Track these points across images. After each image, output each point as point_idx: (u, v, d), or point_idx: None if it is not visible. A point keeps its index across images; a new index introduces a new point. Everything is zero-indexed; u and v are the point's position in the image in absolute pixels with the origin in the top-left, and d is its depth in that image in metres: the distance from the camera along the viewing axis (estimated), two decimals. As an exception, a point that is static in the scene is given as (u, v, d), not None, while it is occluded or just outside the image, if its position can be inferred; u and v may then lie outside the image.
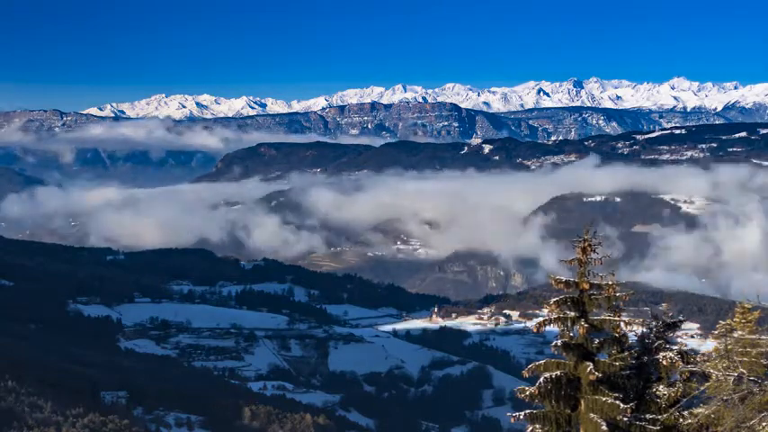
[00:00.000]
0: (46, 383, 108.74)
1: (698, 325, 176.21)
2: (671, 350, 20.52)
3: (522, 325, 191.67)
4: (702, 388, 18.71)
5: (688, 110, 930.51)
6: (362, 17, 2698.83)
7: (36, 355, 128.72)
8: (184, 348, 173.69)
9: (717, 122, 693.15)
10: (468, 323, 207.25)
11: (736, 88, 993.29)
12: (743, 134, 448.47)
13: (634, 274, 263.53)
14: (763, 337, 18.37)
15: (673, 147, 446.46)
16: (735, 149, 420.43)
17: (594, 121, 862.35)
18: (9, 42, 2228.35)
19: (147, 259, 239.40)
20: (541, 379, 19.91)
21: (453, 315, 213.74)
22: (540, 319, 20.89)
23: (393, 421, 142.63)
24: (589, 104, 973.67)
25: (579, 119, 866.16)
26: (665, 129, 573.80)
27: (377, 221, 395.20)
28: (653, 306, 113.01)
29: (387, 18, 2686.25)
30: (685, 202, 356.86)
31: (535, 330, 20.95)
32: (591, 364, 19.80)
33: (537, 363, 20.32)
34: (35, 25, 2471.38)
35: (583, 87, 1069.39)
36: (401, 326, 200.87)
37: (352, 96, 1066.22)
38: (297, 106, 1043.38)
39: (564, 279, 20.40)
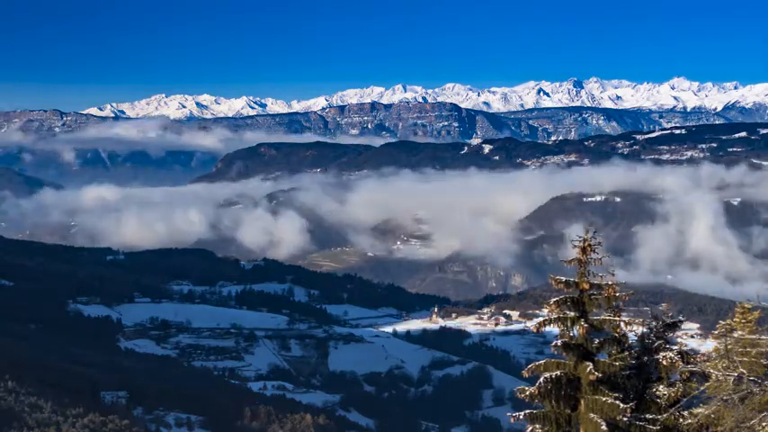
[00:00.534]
0: (46, 383, 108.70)
1: (698, 325, 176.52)
2: (671, 350, 20.51)
3: (522, 325, 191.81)
4: (702, 388, 18.70)
5: (688, 110, 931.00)
6: (362, 17, 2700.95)
7: (36, 355, 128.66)
8: (184, 348, 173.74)
9: (717, 122, 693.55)
10: (468, 323, 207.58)
11: (736, 88, 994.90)
12: (743, 134, 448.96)
13: (634, 273, 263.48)
14: (763, 337, 18.37)
15: (673, 147, 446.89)
16: (735, 149, 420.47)
17: (594, 121, 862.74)
18: (9, 42, 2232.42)
19: (147, 259, 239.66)
20: (541, 379, 19.92)
21: (453, 315, 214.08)
22: (540, 319, 20.90)
23: (393, 421, 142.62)
24: (589, 104, 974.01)
25: (579, 119, 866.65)
26: (665, 129, 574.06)
27: (377, 221, 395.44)
28: (653, 306, 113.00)
29: (387, 18, 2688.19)
30: (685, 202, 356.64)
31: (535, 330, 20.97)
32: (591, 364, 19.80)
33: (537, 363, 20.32)
34: (35, 25, 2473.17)
35: (583, 87, 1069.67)
36: (401, 326, 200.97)
37: (352, 96, 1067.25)
38: (297, 106, 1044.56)
39: (564, 279, 20.41)
